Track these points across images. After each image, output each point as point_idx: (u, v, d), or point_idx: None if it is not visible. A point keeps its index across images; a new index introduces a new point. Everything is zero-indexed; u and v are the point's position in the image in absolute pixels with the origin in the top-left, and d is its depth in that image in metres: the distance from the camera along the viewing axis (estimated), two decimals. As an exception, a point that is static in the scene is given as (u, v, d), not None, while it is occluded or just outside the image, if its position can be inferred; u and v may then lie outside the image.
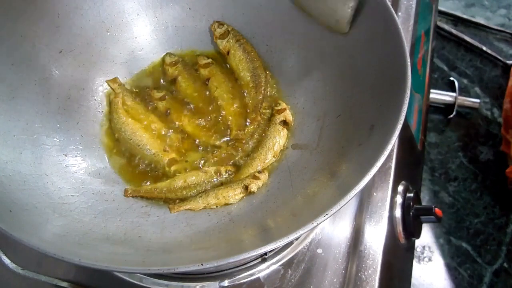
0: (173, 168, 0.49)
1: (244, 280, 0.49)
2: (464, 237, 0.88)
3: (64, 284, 0.50)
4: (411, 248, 0.64)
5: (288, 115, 0.51)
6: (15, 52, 0.47)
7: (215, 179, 0.47)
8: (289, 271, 0.50)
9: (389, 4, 0.44)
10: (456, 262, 0.85)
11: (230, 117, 0.52)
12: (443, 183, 0.94)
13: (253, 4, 0.55)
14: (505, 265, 0.85)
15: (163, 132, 0.51)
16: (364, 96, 0.46)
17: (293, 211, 0.43)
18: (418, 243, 0.89)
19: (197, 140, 0.51)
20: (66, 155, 0.49)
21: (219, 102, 0.53)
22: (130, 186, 0.48)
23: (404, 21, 0.67)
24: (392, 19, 0.43)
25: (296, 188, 0.46)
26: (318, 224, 0.34)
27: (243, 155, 0.50)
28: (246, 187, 0.45)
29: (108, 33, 0.55)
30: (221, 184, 0.47)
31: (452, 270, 0.84)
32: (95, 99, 0.53)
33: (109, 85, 0.53)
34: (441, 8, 1.10)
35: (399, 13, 0.67)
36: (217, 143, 0.51)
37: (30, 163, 0.45)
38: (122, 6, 0.55)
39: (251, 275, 0.49)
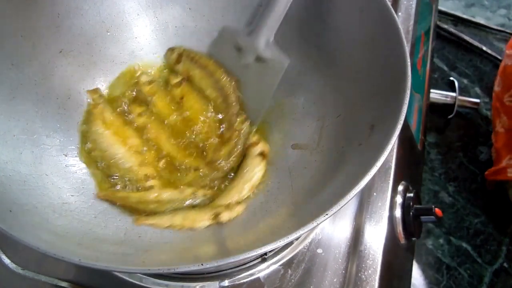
0: (148, 183, 0.47)
1: (244, 280, 0.49)
2: (464, 237, 0.88)
3: (64, 284, 0.50)
4: (411, 248, 0.64)
5: (264, 146, 0.50)
6: (15, 52, 0.47)
7: (189, 200, 0.45)
8: (289, 271, 0.50)
9: (389, 4, 0.44)
10: (456, 262, 0.85)
11: (206, 139, 0.50)
12: (443, 183, 0.94)
13: (253, 4, 0.55)
14: (505, 265, 0.85)
15: (140, 148, 0.49)
16: (364, 96, 0.46)
17: (293, 211, 0.43)
18: (418, 243, 0.89)
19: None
20: (66, 155, 0.49)
21: (194, 124, 0.51)
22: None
23: (404, 21, 0.67)
24: (392, 19, 0.43)
25: (296, 188, 0.46)
26: (318, 224, 0.34)
27: (221, 176, 0.48)
28: (216, 215, 0.43)
29: (108, 33, 0.55)
30: (193, 207, 0.45)
31: (452, 270, 0.84)
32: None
33: (89, 95, 0.51)
34: (441, 8, 1.10)
35: (399, 13, 0.67)
36: (194, 164, 0.49)
37: (30, 163, 0.45)
38: (122, 6, 0.55)
39: (251, 275, 0.49)
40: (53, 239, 0.38)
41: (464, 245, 0.87)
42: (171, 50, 0.54)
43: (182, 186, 0.46)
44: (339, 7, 0.49)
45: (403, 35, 0.42)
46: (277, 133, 0.52)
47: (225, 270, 0.49)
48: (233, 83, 0.51)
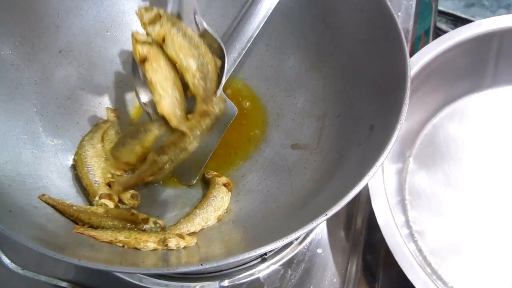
0: (102, 200, 0.45)
1: (244, 280, 0.49)
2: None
3: (64, 284, 0.50)
4: (411, 248, 0.64)
5: (227, 179, 0.49)
6: (15, 52, 0.47)
7: (136, 221, 0.44)
8: (289, 271, 0.50)
9: (389, 4, 0.44)
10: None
11: (169, 109, 0.42)
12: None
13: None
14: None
15: (117, 173, 0.48)
16: (364, 96, 0.46)
17: (293, 211, 0.43)
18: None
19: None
20: (66, 155, 0.49)
21: (157, 90, 0.42)
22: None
23: (404, 21, 0.67)
24: (392, 19, 0.43)
25: (296, 188, 0.46)
26: (318, 224, 0.34)
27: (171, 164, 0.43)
28: (164, 240, 0.41)
29: (108, 33, 0.55)
30: (142, 230, 0.43)
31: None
32: (95, 99, 0.53)
33: (107, 111, 0.52)
34: (440, 8, 1.10)
35: (399, 13, 0.67)
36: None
37: (30, 163, 0.45)
38: (122, 6, 0.55)
39: (251, 275, 0.49)
40: (53, 239, 0.38)
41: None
42: (144, 8, 0.44)
43: (133, 210, 0.45)
44: (339, 7, 0.49)
45: (403, 35, 0.42)
46: (277, 133, 0.52)
47: (225, 270, 0.49)
48: (217, 63, 0.45)
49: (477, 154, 0.59)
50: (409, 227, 0.55)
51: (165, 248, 0.41)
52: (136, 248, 0.41)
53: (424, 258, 0.53)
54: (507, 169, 0.57)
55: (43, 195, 0.43)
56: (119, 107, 0.54)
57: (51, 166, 0.47)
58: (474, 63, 0.60)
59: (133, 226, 0.43)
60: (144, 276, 0.49)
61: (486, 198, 0.56)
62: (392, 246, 0.46)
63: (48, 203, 0.43)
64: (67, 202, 0.43)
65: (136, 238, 0.41)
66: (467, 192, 0.56)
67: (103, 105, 0.53)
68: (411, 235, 0.54)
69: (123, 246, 0.41)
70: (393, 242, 0.46)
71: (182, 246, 0.41)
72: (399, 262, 0.45)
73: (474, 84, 0.62)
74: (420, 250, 0.53)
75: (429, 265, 0.52)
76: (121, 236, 0.41)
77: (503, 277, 0.51)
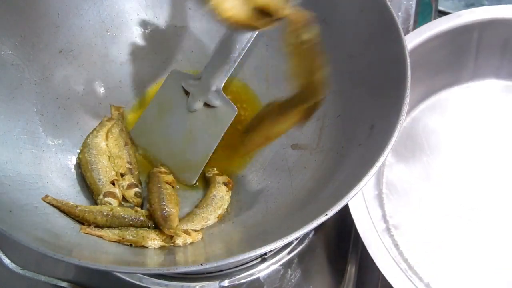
0: (106, 199, 0.45)
1: (244, 280, 0.49)
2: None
3: (63, 284, 0.50)
4: (411, 248, 0.64)
5: (227, 178, 0.49)
6: (15, 52, 0.47)
7: (141, 218, 0.44)
8: (289, 271, 0.50)
9: (389, 4, 0.44)
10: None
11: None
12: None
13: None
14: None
15: (121, 171, 0.48)
16: (364, 96, 0.46)
17: (293, 211, 0.43)
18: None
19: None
20: (66, 155, 0.49)
21: None
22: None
23: (404, 21, 0.67)
24: (392, 19, 0.43)
25: (296, 188, 0.46)
26: (318, 224, 0.34)
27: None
28: (171, 237, 0.41)
29: (108, 33, 0.55)
30: (147, 227, 0.44)
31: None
32: (95, 99, 0.53)
33: (111, 109, 0.53)
34: (441, 8, 1.10)
35: (399, 13, 0.67)
36: None
37: (30, 163, 0.45)
38: (122, 6, 0.55)
39: (251, 275, 0.49)
40: (53, 240, 0.38)
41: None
42: None
43: (137, 207, 0.45)
44: (339, 7, 0.49)
45: (403, 35, 0.42)
46: (277, 133, 0.52)
47: (225, 270, 0.49)
48: None
49: (457, 148, 0.57)
50: (385, 221, 0.53)
51: (172, 244, 0.41)
52: (143, 246, 0.41)
53: (401, 253, 0.51)
54: (487, 163, 0.56)
55: (46, 196, 0.43)
56: (119, 107, 0.54)
57: (51, 166, 0.47)
58: (454, 55, 0.58)
59: (140, 223, 0.43)
60: (144, 276, 0.49)
61: (465, 193, 0.54)
62: (366, 241, 0.45)
63: (52, 205, 0.43)
64: (71, 203, 0.43)
65: (143, 236, 0.41)
66: (446, 186, 0.55)
67: (103, 105, 0.53)
68: (388, 229, 0.53)
69: (131, 244, 0.41)
70: (367, 236, 0.45)
71: (189, 242, 0.41)
72: (373, 257, 0.44)
73: (454, 77, 0.60)
74: (396, 245, 0.52)
75: (406, 260, 0.51)
76: (129, 235, 0.41)
77: (481, 274, 0.50)
